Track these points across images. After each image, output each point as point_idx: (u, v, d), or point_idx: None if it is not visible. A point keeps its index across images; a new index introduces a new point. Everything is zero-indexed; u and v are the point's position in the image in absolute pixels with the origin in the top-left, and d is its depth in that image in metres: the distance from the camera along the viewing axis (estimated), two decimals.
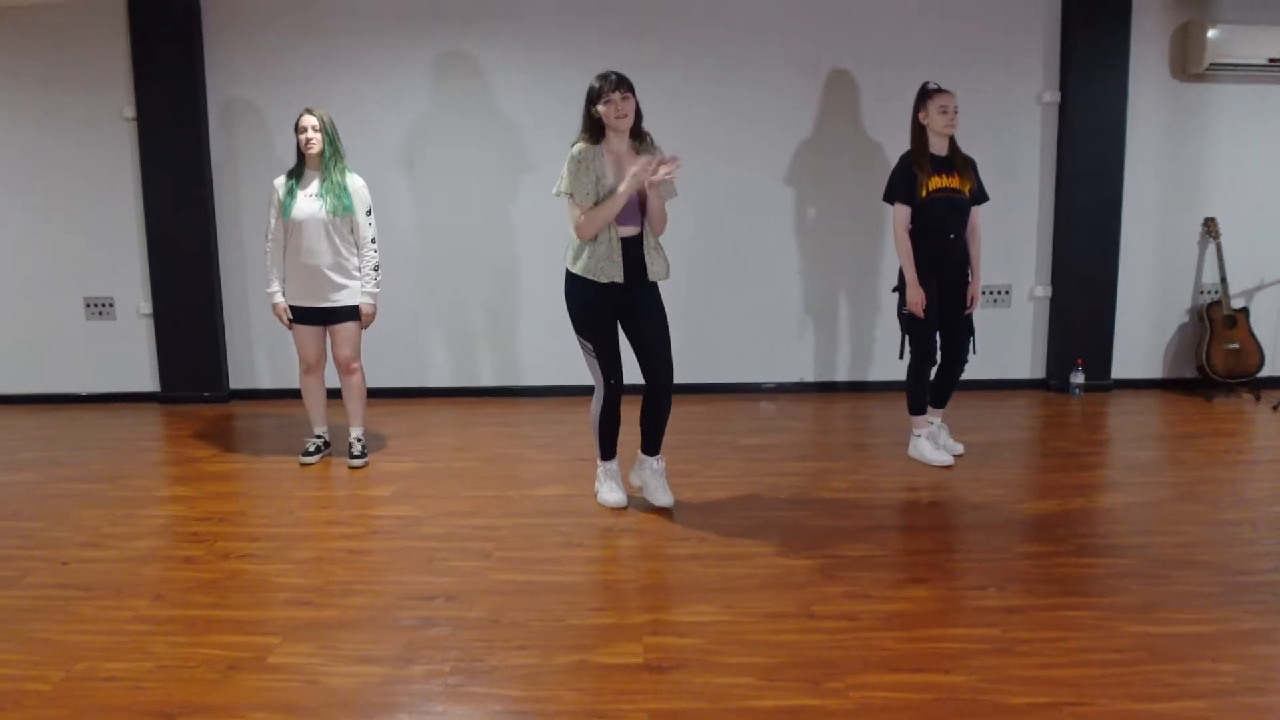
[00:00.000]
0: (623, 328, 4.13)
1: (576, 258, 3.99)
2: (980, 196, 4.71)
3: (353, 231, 4.72)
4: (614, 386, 4.10)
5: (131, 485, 4.58)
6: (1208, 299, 6.25)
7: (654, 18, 5.97)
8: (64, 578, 3.47)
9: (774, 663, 2.81)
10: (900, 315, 4.72)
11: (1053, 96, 6.06)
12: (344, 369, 4.85)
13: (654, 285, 4.10)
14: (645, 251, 3.99)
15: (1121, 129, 6.02)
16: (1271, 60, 5.82)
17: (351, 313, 4.76)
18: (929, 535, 3.86)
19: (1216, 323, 6.10)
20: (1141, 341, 6.38)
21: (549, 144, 5.95)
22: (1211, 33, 5.80)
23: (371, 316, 4.81)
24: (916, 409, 4.82)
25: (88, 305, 6.30)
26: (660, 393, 4.12)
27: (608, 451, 4.26)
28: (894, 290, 4.76)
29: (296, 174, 4.69)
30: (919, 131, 4.58)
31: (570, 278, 4.05)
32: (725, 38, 6.00)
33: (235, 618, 3.14)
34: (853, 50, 6.03)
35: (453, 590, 3.33)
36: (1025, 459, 4.90)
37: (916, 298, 4.58)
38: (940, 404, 4.91)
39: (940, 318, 4.68)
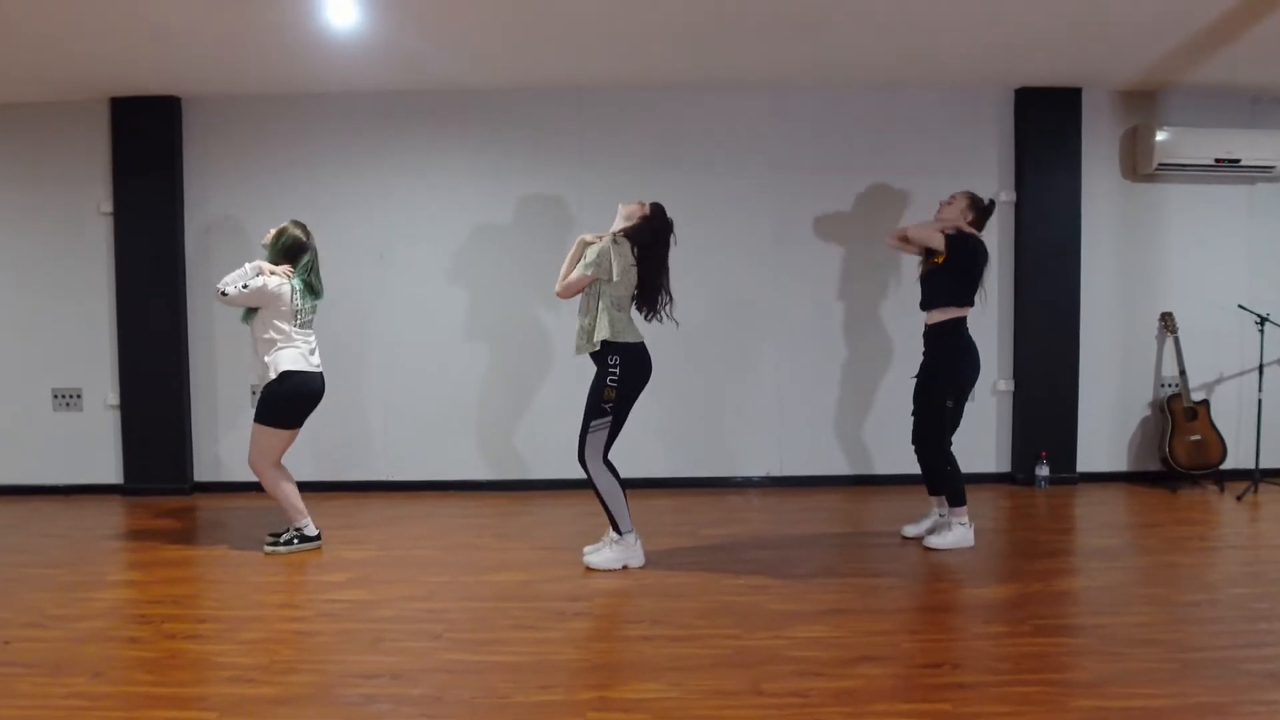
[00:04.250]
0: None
1: (624, 329, 4.34)
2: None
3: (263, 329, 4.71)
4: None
5: (84, 570, 4.51)
6: (1168, 392, 6.32)
7: (617, 124, 6.17)
8: (5, 656, 3.40)
9: None
10: (944, 404, 4.89)
11: (1009, 196, 6.22)
12: None
13: None
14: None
15: (1076, 227, 6.18)
16: (1218, 160, 6.02)
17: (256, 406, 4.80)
18: (888, 617, 3.82)
19: (1178, 415, 6.16)
20: (1105, 435, 6.43)
21: (521, 242, 6.10)
22: (1160, 135, 6.01)
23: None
24: (962, 498, 4.88)
25: (55, 396, 6.28)
26: None
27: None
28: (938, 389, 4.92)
29: None
30: None
31: (627, 349, 4.33)
32: (683, 136, 6.18)
33: (174, 694, 3.08)
34: (802, 154, 6.19)
35: (398, 669, 3.27)
36: (989, 546, 4.87)
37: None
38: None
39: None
